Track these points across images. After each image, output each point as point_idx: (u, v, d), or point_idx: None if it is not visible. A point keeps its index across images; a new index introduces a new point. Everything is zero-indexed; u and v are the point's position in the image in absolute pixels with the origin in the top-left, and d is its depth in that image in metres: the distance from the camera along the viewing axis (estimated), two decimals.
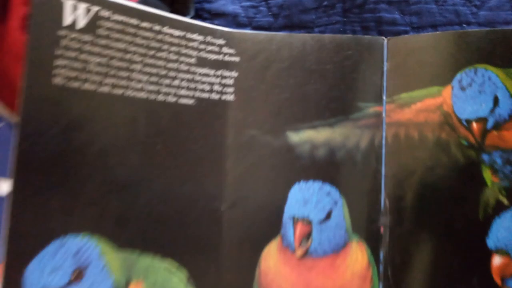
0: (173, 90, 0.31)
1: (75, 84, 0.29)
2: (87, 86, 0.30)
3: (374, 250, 0.31)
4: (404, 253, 0.31)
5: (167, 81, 0.31)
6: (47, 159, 0.28)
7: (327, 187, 0.31)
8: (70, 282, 0.28)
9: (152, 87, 0.31)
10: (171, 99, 0.31)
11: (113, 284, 0.28)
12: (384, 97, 0.32)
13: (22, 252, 0.27)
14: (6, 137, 0.32)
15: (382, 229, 0.31)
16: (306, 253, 0.31)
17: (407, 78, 0.32)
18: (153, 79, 0.31)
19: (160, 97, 0.31)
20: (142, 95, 0.30)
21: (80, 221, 0.28)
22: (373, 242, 0.31)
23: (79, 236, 0.28)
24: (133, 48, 0.30)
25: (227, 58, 0.33)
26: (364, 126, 0.32)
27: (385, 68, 0.32)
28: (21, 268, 0.27)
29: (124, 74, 0.30)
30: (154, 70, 0.31)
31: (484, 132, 0.31)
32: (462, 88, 0.31)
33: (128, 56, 0.30)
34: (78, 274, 0.28)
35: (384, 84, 0.32)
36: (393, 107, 0.32)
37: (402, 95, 0.32)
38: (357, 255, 0.31)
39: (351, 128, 0.32)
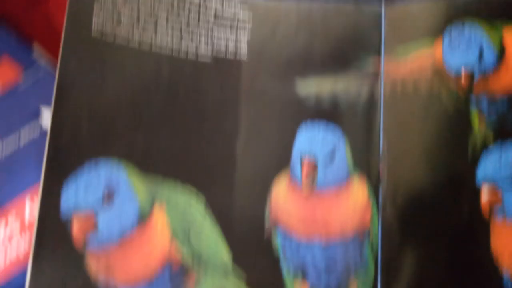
0: (193, 49, 0.36)
1: (110, 39, 0.34)
2: (119, 41, 0.35)
3: (374, 188, 0.34)
4: (400, 196, 0.34)
5: (188, 39, 0.36)
6: (84, 96, 0.33)
7: (331, 127, 0.35)
8: (102, 201, 0.31)
9: (175, 45, 0.35)
10: (191, 57, 0.36)
11: (139, 205, 0.32)
12: (382, 50, 0.36)
13: (61, 168, 0.31)
14: (46, 81, 0.37)
15: (381, 170, 0.35)
16: (312, 187, 0.34)
17: (403, 31, 0.36)
18: (176, 34, 0.36)
19: (182, 55, 0.36)
20: (167, 52, 0.35)
21: (111, 149, 0.33)
22: (372, 179, 0.34)
23: (109, 160, 0.32)
24: (158, 5, 0.35)
25: (241, 24, 0.37)
26: (365, 76, 0.36)
27: (383, 23, 0.37)
28: (59, 183, 0.31)
29: (151, 28, 0.35)
30: (177, 26, 0.36)
31: (471, 81, 0.34)
32: (452, 40, 0.35)
33: (154, 11, 0.35)
34: (109, 194, 0.31)
35: (383, 36, 0.36)
36: (390, 58, 0.36)
37: (398, 47, 0.36)
38: (359, 189, 0.34)
39: (353, 76, 0.36)
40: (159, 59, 0.35)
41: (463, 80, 0.34)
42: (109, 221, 0.31)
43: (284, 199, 0.34)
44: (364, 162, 0.34)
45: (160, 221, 0.32)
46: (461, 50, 0.34)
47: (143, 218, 0.32)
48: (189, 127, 0.34)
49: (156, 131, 0.34)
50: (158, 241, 0.31)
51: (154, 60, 0.34)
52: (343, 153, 0.34)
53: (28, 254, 0.32)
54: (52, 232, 0.30)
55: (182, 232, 0.32)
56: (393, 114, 0.34)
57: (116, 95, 0.33)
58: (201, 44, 0.36)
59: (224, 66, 0.36)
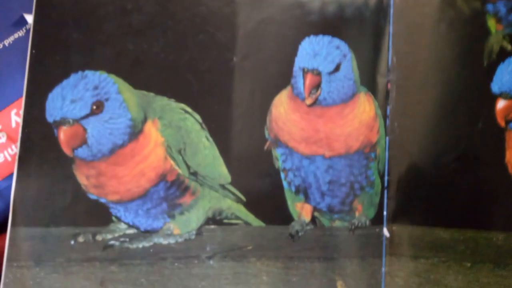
0: None
1: None
2: None
3: (381, 104, 0.33)
4: (410, 107, 0.33)
5: None
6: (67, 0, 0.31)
7: (337, 41, 0.33)
8: (90, 113, 0.30)
9: None
10: None
11: (131, 120, 0.30)
12: None
13: (44, 81, 0.30)
14: None
15: (389, 85, 0.33)
16: (315, 102, 0.32)
17: None
18: None
19: None
20: None
21: (99, 59, 0.31)
22: (380, 95, 0.33)
23: (98, 72, 0.31)
24: None
25: None
26: None
27: None
28: (42, 95, 0.30)
29: None
30: None
31: None
32: None
33: None
34: (98, 107, 0.30)
35: None
36: None
37: None
38: (365, 106, 0.33)
39: None
40: None
41: None
42: (99, 133, 0.29)
43: (286, 115, 0.32)
44: (372, 78, 0.33)
45: (153, 137, 0.30)
46: None
47: (135, 133, 0.30)
48: (182, 37, 0.32)
49: (147, 40, 0.32)
50: (151, 156, 0.30)
51: None
52: (349, 69, 0.32)
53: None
54: (38, 138, 0.29)
55: (179, 149, 0.30)
56: (403, 23, 0.32)
57: None
58: None
59: None
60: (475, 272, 0.30)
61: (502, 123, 0.30)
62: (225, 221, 0.31)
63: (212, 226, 0.31)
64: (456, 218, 0.31)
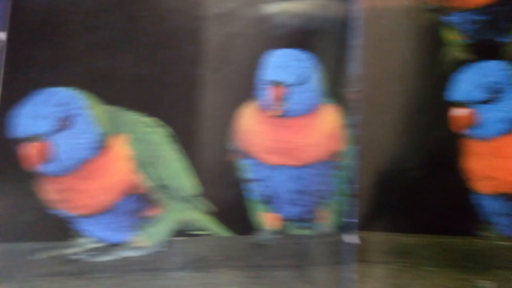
0: None
1: None
2: None
3: (349, 113, 0.34)
4: (378, 117, 0.34)
5: None
6: (38, 16, 0.31)
7: (302, 54, 0.34)
8: (59, 128, 0.30)
9: None
10: None
11: (100, 134, 0.31)
12: None
13: (14, 98, 0.30)
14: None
15: (357, 96, 0.34)
16: (282, 114, 0.33)
17: None
18: None
19: None
20: None
21: (68, 75, 0.31)
22: (348, 105, 0.34)
23: (68, 89, 0.31)
24: None
25: None
26: None
27: None
28: (10, 111, 0.30)
29: None
30: None
31: None
32: None
33: None
34: (66, 123, 0.30)
35: None
36: None
37: None
38: (330, 116, 0.34)
39: (325, 0, 0.35)
40: None
41: None
42: (67, 148, 0.29)
43: (252, 127, 0.33)
44: (338, 88, 0.34)
45: (122, 151, 0.31)
46: None
47: (103, 147, 0.30)
48: (150, 52, 0.33)
49: (117, 54, 0.32)
50: (120, 170, 0.30)
51: None
52: (315, 80, 0.33)
53: None
54: (2, 154, 0.30)
55: (148, 163, 0.31)
56: (369, 35, 0.33)
57: (70, 13, 0.32)
58: None
59: None
60: (439, 276, 0.31)
61: (457, 130, 0.31)
62: (194, 232, 0.31)
63: (181, 238, 0.31)
64: (421, 224, 0.32)
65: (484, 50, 0.32)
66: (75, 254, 0.29)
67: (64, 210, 0.30)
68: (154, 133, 0.31)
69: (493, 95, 0.31)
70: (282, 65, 0.33)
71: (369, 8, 0.34)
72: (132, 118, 0.31)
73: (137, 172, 0.30)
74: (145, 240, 0.30)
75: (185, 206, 0.31)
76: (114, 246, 0.30)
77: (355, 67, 0.33)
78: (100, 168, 0.30)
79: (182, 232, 0.31)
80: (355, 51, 0.33)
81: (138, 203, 0.31)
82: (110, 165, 0.30)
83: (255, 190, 0.32)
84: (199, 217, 0.31)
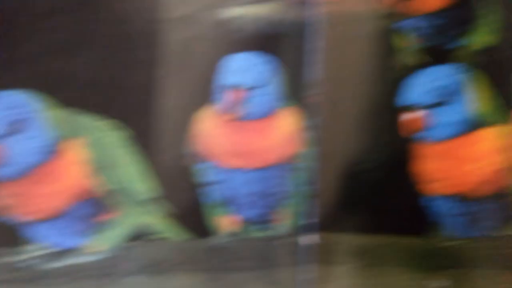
0: None
1: None
2: None
3: (309, 116, 0.34)
4: (337, 119, 0.34)
5: None
6: None
7: (261, 58, 0.34)
8: (10, 132, 0.30)
9: None
10: None
11: (53, 138, 0.30)
12: None
13: None
14: None
15: (317, 98, 0.35)
16: (240, 117, 0.34)
17: None
18: None
19: None
20: None
21: (22, 78, 0.31)
22: (308, 108, 0.34)
23: (21, 92, 0.31)
24: None
25: None
26: (296, 3, 0.35)
27: None
28: None
29: None
30: None
31: (397, 2, 0.35)
32: None
33: None
34: (18, 126, 0.30)
35: None
36: None
37: None
38: (289, 120, 0.34)
39: (283, 4, 0.35)
40: None
41: (387, 1, 0.34)
42: (19, 152, 0.29)
43: (210, 129, 0.33)
44: (298, 91, 0.34)
45: (76, 155, 0.30)
46: None
47: (56, 151, 0.30)
48: (106, 54, 0.33)
49: (73, 57, 0.32)
50: (73, 175, 0.30)
51: None
52: (273, 84, 0.34)
53: None
54: None
55: (103, 167, 0.31)
56: (329, 38, 0.33)
57: (24, 14, 0.31)
58: None
59: None
60: (396, 275, 0.32)
61: (410, 133, 0.32)
62: (151, 236, 0.31)
63: (137, 242, 0.31)
64: (378, 224, 0.32)
65: (435, 55, 0.33)
66: (26, 260, 0.29)
67: (16, 215, 0.29)
68: (111, 136, 0.31)
69: (444, 99, 0.32)
70: (241, 68, 0.33)
71: (327, 13, 0.34)
72: (88, 121, 0.31)
73: (92, 176, 0.30)
74: (100, 245, 0.30)
75: (142, 210, 0.31)
76: (67, 251, 0.30)
77: (314, 71, 0.34)
78: (54, 172, 0.29)
79: (139, 236, 0.31)
80: (314, 55, 0.34)
81: (93, 207, 0.30)
82: (64, 169, 0.30)
83: (213, 193, 0.32)
84: (156, 220, 0.31)
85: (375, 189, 0.33)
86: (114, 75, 0.32)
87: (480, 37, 0.33)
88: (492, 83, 0.32)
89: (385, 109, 0.33)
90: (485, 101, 0.32)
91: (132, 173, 0.31)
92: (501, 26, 0.32)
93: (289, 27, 0.34)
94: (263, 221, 0.33)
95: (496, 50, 0.32)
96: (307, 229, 0.32)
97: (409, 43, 0.33)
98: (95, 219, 0.30)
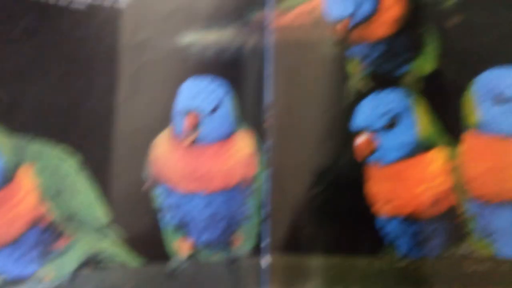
0: None
1: None
2: None
3: (261, 139, 0.35)
4: (288, 142, 0.35)
5: None
6: None
7: (216, 82, 0.35)
8: None
9: None
10: (62, 3, 0.34)
11: (3, 165, 0.31)
12: (269, 4, 0.37)
13: None
14: None
15: (269, 121, 0.36)
16: (195, 141, 0.34)
17: None
18: None
19: (51, 1, 0.34)
20: None
21: None
22: (259, 132, 0.35)
23: None
24: None
25: None
26: (250, 30, 0.36)
27: None
28: None
29: None
30: None
31: (349, 29, 0.36)
32: None
33: None
34: None
35: None
36: (277, 13, 0.36)
37: (284, 2, 0.37)
38: (244, 142, 0.35)
39: (238, 31, 0.36)
40: (25, 4, 0.32)
41: (341, 28, 0.35)
42: None
43: (166, 154, 0.33)
44: (251, 115, 0.35)
45: (26, 182, 0.30)
46: (339, 0, 0.36)
47: (7, 178, 0.30)
48: (62, 80, 0.33)
49: (25, 83, 0.32)
50: (24, 202, 0.30)
51: (19, 6, 0.32)
52: (228, 108, 0.34)
53: None
54: None
55: (55, 193, 0.31)
56: (281, 63, 0.35)
57: None
58: None
59: (101, 14, 0.34)
60: None
61: (361, 156, 0.33)
62: (103, 263, 0.31)
63: (89, 269, 0.31)
64: (326, 245, 0.33)
65: (383, 80, 0.34)
66: None
67: None
68: (63, 162, 0.31)
69: (392, 123, 0.33)
70: (196, 93, 0.34)
71: (281, 39, 0.35)
72: (41, 147, 0.31)
73: (45, 202, 0.30)
74: (51, 273, 0.30)
75: (96, 236, 0.31)
76: (20, 280, 0.30)
77: (268, 95, 0.35)
78: (6, 199, 0.29)
79: (94, 262, 0.31)
80: (268, 80, 0.35)
81: (46, 234, 0.30)
82: (14, 197, 0.29)
83: (170, 218, 0.33)
84: (111, 246, 0.31)
85: (329, 210, 0.33)
86: (71, 101, 0.32)
87: (424, 64, 0.34)
88: (437, 108, 0.34)
89: (338, 132, 0.34)
90: (430, 124, 0.34)
91: (86, 199, 0.31)
92: (441, 53, 0.34)
93: (245, 52, 0.35)
94: (220, 244, 0.33)
95: (438, 76, 0.34)
96: (261, 250, 0.33)
97: (359, 69, 0.35)
98: (48, 246, 0.30)
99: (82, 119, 0.32)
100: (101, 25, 0.34)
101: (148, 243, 0.32)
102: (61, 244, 0.30)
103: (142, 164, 0.33)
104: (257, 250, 0.33)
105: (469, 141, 0.33)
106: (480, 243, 0.33)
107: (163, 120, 0.33)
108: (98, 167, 0.32)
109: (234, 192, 0.33)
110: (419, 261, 0.33)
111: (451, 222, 0.33)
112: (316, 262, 0.33)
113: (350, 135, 0.33)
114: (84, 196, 0.31)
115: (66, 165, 0.31)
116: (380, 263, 0.33)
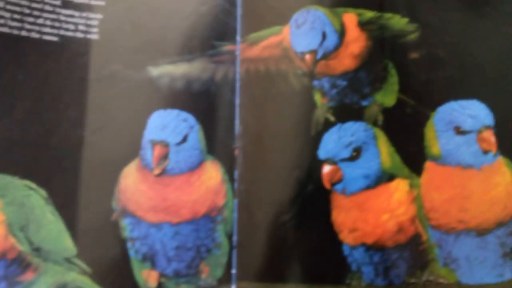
0: (36, 28, 0.35)
1: None
2: None
3: (228, 169, 0.36)
4: (255, 172, 0.36)
5: (30, 19, 0.35)
6: None
7: (184, 114, 0.35)
8: None
9: (15, 23, 0.35)
10: (35, 35, 0.35)
11: None
12: (238, 37, 0.38)
13: None
14: None
15: (237, 152, 0.36)
16: (163, 172, 0.35)
17: (256, 20, 0.37)
18: (16, 16, 0.35)
19: (23, 33, 0.35)
20: (5, 29, 0.34)
21: None
22: (227, 162, 0.36)
23: None
24: None
25: (93, 2, 0.37)
26: (219, 62, 0.37)
27: (238, 12, 0.38)
28: None
29: None
30: (17, 9, 0.35)
31: (315, 62, 0.37)
32: (298, 26, 0.37)
33: None
34: None
35: (238, 26, 0.38)
36: (245, 45, 0.38)
37: (252, 35, 0.38)
38: (211, 173, 0.36)
39: (207, 63, 0.37)
40: None
41: (307, 61, 0.37)
42: None
43: (134, 186, 0.34)
44: (219, 146, 0.36)
45: None
46: (306, 33, 0.37)
47: None
48: (30, 114, 0.33)
49: None
50: None
51: None
52: (196, 139, 0.35)
53: None
54: None
55: (22, 226, 0.31)
56: (248, 95, 0.36)
57: None
58: (47, 21, 0.35)
59: (73, 45, 0.34)
60: None
61: (327, 185, 0.34)
62: None
63: None
64: (294, 273, 0.34)
65: (347, 112, 0.35)
66: None
67: None
68: (30, 196, 0.31)
69: (355, 154, 0.34)
70: (164, 125, 0.34)
71: (249, 70, 0.36)
72: (5, 181, 0.31)
73: (10, 235, 0.30)
74: None
75: (63, 268, 0.31)
76: None
77: (236, 125, 0.36)
78: None
79: None
80: (237, 111, 0.36)
81: (12, 266, 0.30)
82: None
83: (134, 249, 0.33)
84: (75, 278, 0.31)
85: (295, 239, 0.34)
86: (39, 134, 0.33)
87: (385, 96, 0.35)
88: (399, 139, 0.35)
89: (305, 161, 0.35)
90: (392, 155, 0.35)
91: (53, 231, 0.31)
92: (402, 86, 0.35)
93: (214, 84, 0.36)
94: (189, 273, 0.34)
95: (399, 109, 0.35)
96: (228, 279, 0.33)
97: (325, 101, 0.36)
98: (16, 278, 0.30)
99: (49, 152, 0.33)
100: (73, 57, 0.34)
101: (116, 273, 0.32)
102: (28, 276, 0.31)
103: (110, 195, 0.33)
104: (226, 279, 0.33)
105: (430, 172, 0.34)
106: (444, 270, 0.34)
107: (132, 151, 0.34)
108: (65, 199, 0.32)
109: (202, 221, 0.34)
110: None
111: (415, 250, 0.34)
112: None
113: (317, 164, 0.34)
114: (51, 228, 0.31)
115: (33, 198, 0.31)
116: None
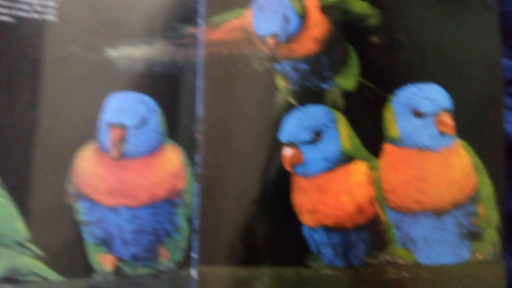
0: None
1: None
2: None
3: (190, 153, 0.35)
4: (217, 156, 0.36)
5: None
6: None
7: (143, 97, 0.34)
8: None
9: None
10: None
11: None
12: (200, 20, 0.38)
13: None
14: None
15: (199, 136, 0.36)
16: (121, 155, 0.34)
17: (218, 2, 0.37)
18: None
19: None
20: None
21: None
22: (188, 146, 0.35)
23: None
24: None
25: None
26: (180, 45, 0.37)
27: None
28: None
29: None
30: None
31: (277, 45, 0.37)
32: (260, 9, 0.37)
33: None
34: None
35: (200, 8, 0.38)
36: (207, 28, 0.37)
37: (213, 18, 0.38)
38: (171, 156, 0.35)
39: (168, 46, 0.36)
40: None
41: (269, 44, 0.36)
42: None
43: (90, 169, 0.33)
44: (179, 129, 0.35)
45: None
46: (268, 17, 0.36)
47: None
48: None
49: None
50: None
51: None
52: (155, 122, 0.34)
53: None
54: None
55: None
56: (210, 78, 0.35)
57: None
58: (0, 1, 0.33)
59: (27, 26, 0.33)
60: None
61: (288, 168, 0.34)
62: (22, 278, 0.30)
63: (10, 285, 0.30)
64: (253, 256, 0.33)
65: (308, 96, 0.35)
66: None
67: None
68: None
69: (316, 137, 0.34)
70: (122, 107, 0.34)
71: (211, 53, 0.36)
72: None
73: None
74: None
75: (16, 251, 0.30)
76: None
77: (199, 108, 0.35)
78: None
79: (11, 279, 0.30)
80: (199, 94, 0.35)
81: None
82: None
83: (95, 231, 0.32)
84: (28, 262, 0.30)
85: (257, 222, 0.34)
86: None
87: (346, 80, 0.35)
88: (359, 122, 0.35)
89: (267, 144, 0.34)
90: (352, 138, 0.35)
91: (5, 215, 0.30)
92: (363, 70, 0.35)
93: (175, 67, 0.35)
94: (143, 258, 0.33)
95: (360, 92, 0.35)
96: (189, 263, 0.33)
97: (287, 84, 0.35)
98: None
99: (1, 135, 0.31)
100: (27, 38, 0.33)
101: (70, 257, 0.31)
102: None
103: (64, 178, 0.32)
104: (186, 263, 0.33)
105: (389, 154, 0.34)
106: (402, 251, 0.34)
107: (87, 133, 0.33)
108: (17, 182, 0.31)
109: (162, 205, 0.33)
110: (345, 269, 0.34)
111: (373, 231, 0.34)
112: (246, 273, 0.33)
113: (279, 147, 0.34)
114: (1, 211, 0.30)
115: None
116: (307, 272, 0.34)
